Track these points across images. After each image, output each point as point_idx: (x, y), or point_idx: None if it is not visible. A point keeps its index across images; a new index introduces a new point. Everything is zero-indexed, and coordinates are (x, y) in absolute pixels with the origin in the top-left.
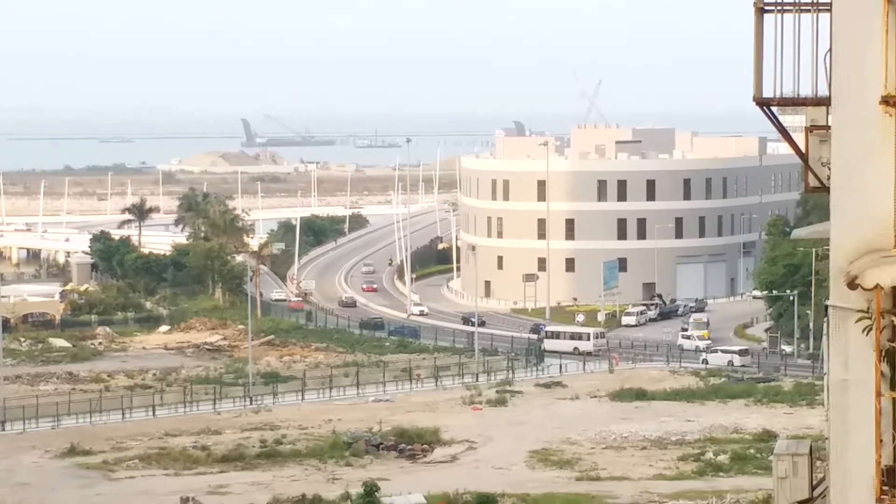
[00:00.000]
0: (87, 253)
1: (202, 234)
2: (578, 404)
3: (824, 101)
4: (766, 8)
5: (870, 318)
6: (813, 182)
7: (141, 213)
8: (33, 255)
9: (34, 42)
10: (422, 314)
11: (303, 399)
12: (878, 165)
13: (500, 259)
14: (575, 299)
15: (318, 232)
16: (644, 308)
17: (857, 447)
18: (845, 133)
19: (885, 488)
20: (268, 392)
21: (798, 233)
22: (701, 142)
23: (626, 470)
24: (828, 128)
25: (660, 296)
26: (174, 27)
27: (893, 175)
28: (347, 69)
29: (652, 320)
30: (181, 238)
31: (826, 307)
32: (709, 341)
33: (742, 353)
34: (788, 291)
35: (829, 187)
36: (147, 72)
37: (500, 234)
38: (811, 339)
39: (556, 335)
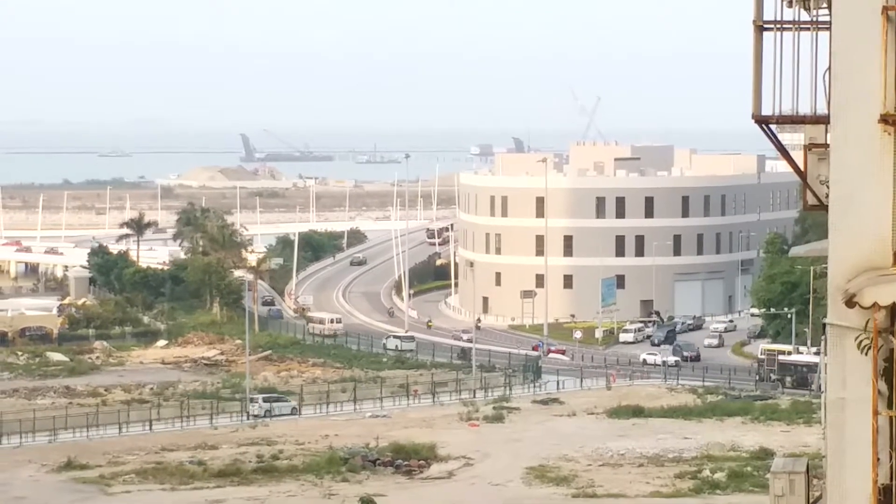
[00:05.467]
0: (84, 267)
1: (200, 249)
2: (575, 421)
3: (823, 119)
4: (766, 26)
5: (867, 337)
6: (811, 200)
7: (139, 227)
8: (31, 269)
9: (28, 53)
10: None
11: (300, 414)
12: (876, 183)
13: (498, 275)
14: (573, 316)
15: (316, 247)
16: (642, 325)
17: (854, 465)
18: (844, 151)
19: None
20: (265, 407)
21: (796, 250)
22: (699, 159)
23: (622, 487)
24: (827, 146)
25: (657, 313)
26: (172, 39)
27: (892, 193)
28: (346, 84)
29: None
30: (178, 252)
31: (824, 325)
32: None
33: (405, 339)
34: (786, 309)
35: (827, 205)
36: (145, 85)
37: (498, 251)
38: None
39: (311, 319)
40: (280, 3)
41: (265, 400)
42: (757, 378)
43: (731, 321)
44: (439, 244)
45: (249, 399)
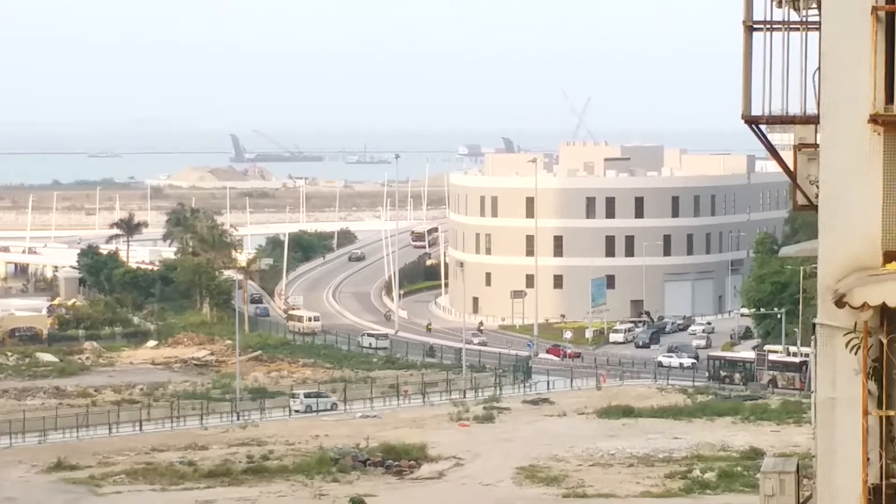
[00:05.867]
0: (74, 268)
1: (190, 250)
2: (566, 421)
3: (813, 120)
4: (756, 26)
5: (857, 337)
6: (801, 200)
7: (129, 227)
8: (21, 270)
9: (28, 53)
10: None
11: (290, 415)
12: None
13: (488, 275)
14: (563, 316)
15: (306, 248)
16: (632, 325)
17: (844, 465)
18: (833, 151)
19: None
20: (255, 407)
21: (786, 251)
22: (689, 159)
23: (613, 487)
24: (816, 146)
25: (647, 313)
26: (172, 39)
27: (881, 193)
28: (346, 84)
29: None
30: (159, 252)
31: (814, 325)
32: None
33: (380, 337)
34: (776, 309)
35: (817, 205)
36: (144, 85)
37: (488, 251)
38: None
39: (292, 318)
40: (280, 3)
41: (306, 396)
42: (707, 376)
43: (708, 323)
44: (429, 245)
45: (291, 395)
